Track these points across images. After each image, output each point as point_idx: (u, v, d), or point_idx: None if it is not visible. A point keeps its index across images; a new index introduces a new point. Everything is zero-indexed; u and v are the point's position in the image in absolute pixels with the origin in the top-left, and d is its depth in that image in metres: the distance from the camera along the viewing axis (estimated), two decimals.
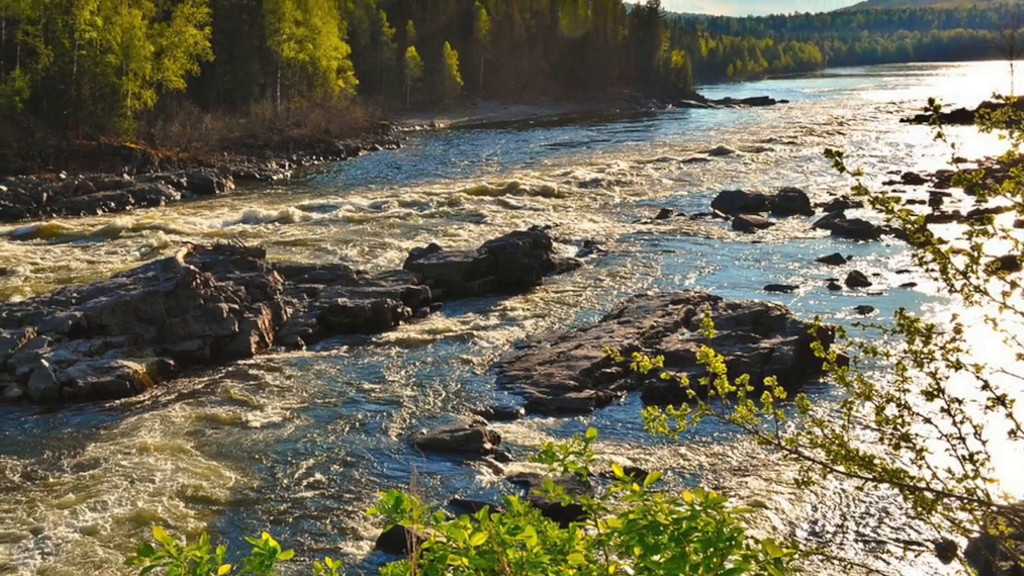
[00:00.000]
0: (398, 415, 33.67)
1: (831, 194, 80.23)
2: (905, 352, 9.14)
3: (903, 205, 9.19)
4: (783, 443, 9.39)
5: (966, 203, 69.95)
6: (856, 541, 24.51)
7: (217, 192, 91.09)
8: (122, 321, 39.83)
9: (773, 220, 69.97)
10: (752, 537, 5.45)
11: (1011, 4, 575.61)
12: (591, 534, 5.43)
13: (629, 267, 55.97)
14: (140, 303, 40.48)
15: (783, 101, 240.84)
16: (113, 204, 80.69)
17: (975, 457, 8.74)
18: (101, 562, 23.88)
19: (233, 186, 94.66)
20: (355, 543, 24.90)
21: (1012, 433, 8.89)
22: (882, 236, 62.30)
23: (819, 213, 71.90)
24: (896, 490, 9.42)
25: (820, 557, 16.21)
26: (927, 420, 9.03)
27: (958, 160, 9.61)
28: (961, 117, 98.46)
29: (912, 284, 49.65)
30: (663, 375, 9.68)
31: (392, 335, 43.05)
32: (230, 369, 38.54)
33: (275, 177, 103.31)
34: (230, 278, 44.65)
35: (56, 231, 68.53)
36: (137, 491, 27.50)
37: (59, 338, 38.74)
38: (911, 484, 8.88)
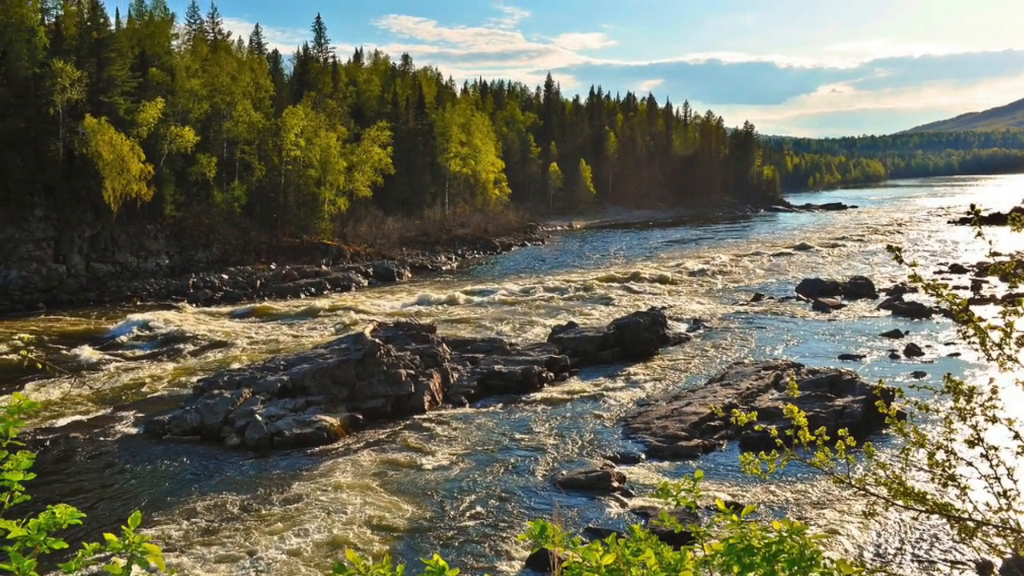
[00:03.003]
0: (542, 459, 33.78)
1: (892, 281, 79.54)
2: (952, 409, 9.10)
3: (950, 290, 9.16)
4: (853, 482, 9.38)
5: (1001, 289, 69.02)
6: (912, 561, 24.29)
7: (397, 280, 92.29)
8: (320, 384, 40.30)
9: (845, 302, 69.42)
10: (828, 558, 5.46)
11: None
12: (699, 555, 5.45)
13: (729, 340, 55.77)
14: (335, 369, 40.98)
15: (853, 206, 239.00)
16: (313, 289, 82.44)
17: (1008, 493, 8.67)
18: None
19: (410, 275, 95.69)
20: (508, 563, 24.98)
21: None
22: (933, 315, 61.83)
23: (882, 297, 71.53)
24: (944, 520, 9.37)
25: (883, 574, 16.00)
26: (969, 463, 8.97)
27: (994, 254, 9.53)
28: (997, 219, 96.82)
29: (957, 354, 49.31)
30: (756, 427, 9.73)
31: (538, 395, 43.22)
32: (407, 422, 38.92)
33: (444, 268, 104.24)
34: (407, 349, 45.08)
35: (267, 311, 69.85)
36: (332, 521, 27.83)
37: (270, 397, 39.44)
38: (956, 515, 8.82)
